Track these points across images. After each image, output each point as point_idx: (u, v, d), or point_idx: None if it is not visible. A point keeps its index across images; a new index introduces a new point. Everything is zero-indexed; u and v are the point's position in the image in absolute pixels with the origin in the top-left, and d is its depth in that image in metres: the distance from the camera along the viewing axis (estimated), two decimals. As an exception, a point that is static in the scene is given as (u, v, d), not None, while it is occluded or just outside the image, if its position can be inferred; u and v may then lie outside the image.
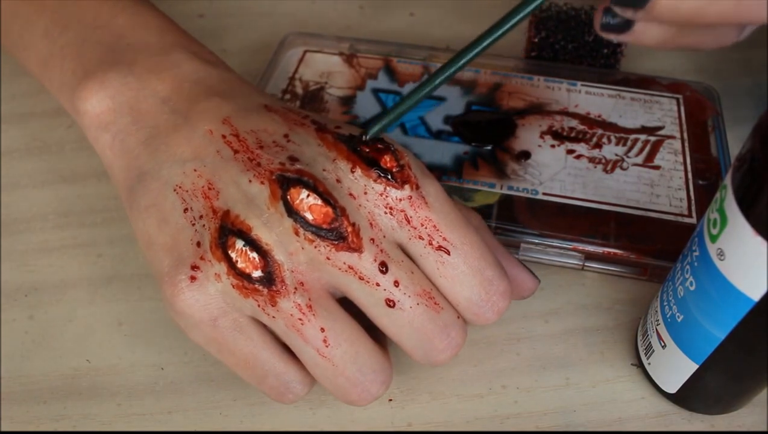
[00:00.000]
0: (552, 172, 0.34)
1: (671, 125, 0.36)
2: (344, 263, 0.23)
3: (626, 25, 0.25)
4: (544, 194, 0.33)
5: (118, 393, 0.29)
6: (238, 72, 0.30)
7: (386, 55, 0.41)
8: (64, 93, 0.30)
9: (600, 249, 0.31)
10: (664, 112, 0.37)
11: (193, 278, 0.24)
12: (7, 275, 0.33)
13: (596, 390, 0.29)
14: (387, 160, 0.24)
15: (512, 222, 0.32)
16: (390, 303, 0.24)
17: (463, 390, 0.29)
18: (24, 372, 0.30)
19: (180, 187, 0.25)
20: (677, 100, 0.37)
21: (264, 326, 0.24)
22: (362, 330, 0.24)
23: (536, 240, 0.32)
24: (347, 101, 0.38)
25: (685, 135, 0.35)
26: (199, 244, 0.24)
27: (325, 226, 0.23)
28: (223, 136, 0.26)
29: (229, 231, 0.23)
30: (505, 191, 0.34)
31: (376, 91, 0.39)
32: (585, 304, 0.31)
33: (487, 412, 0.28)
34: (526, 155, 0.35)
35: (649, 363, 0.28)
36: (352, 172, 0.24)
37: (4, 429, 0.28)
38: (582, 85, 0.38)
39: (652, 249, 0.31)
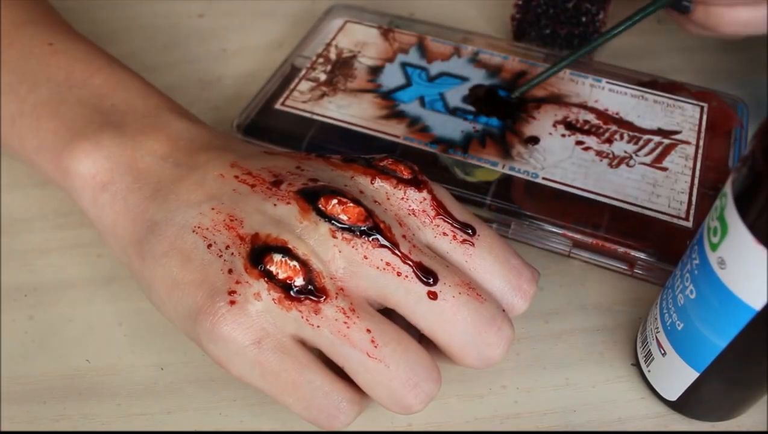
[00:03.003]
0: (557, 159, 0.34)
1: (689, 131, 0.36)
2: (381, 260, 0.23)
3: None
4: (544, 179, 0.34)
5: (118, 393, 0.29)
6: (244, 69, 0.30)
7: (423, 33, 0.42)
8: (43, 154, 0.29)
9: (588, 239, 0.32)
10: (685, 118, 0.36)
11: (232, 302, 0.23)
12: (7, 275, 0.33)
13: (596, 391, 0.29)
14: (402, 169, 0.26)
15: (507, 201, 0.33)
16: (432, 296, 0.23)
17: (463, 390, 0.29)
18: (24, 372, 0.30)
19: (198, 227, 0.25)
20: (701, 108, 0.37)
21: (306, 347, 0.24)
22: (404, 331, 0.24)
23: (527, 222, 0.32)
24: (375, 71, 0.39)
25: (701, 142, 0.35)
26: (231, 271, 0.24)
27: (360, 224, 0.24)
28: (236, 177, 0.26)
29: (263, 249, 0.23)
30: (507, 171, 0.34)
31: (404, 65, 0.40)
32: (585, 304, 0.31)
33: (487, 412, 0.28)
34: (534, 140, 0.35)
35: (648, 371, 0.28)
36: (372, 183, 0.25)
37: (4, 429, 0.28)
38: (607, 81, 0.38)
39: (640, 246, 0.31)
